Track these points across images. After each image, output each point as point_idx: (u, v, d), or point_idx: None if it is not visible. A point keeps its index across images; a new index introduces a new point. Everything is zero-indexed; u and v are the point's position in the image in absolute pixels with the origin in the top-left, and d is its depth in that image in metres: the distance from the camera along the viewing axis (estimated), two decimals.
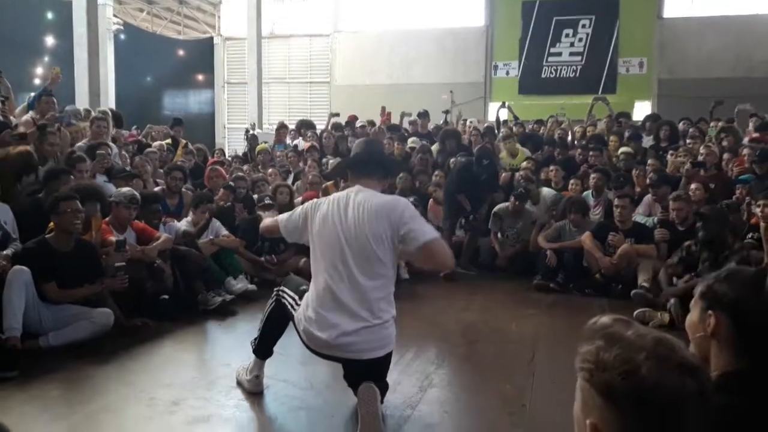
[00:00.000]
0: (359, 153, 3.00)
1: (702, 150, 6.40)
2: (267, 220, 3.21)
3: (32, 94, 6.70)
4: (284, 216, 3.01)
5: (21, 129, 5.30)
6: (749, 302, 1.35)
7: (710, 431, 1.21)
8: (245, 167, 7.93)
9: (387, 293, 2.73)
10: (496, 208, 6.34)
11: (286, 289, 2.99)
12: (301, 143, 8.98)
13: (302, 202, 6.02)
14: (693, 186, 5.67)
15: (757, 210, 4.78)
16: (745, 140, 7.21)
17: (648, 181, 6.14)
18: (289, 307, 2.89)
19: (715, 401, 1.30)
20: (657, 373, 0.90)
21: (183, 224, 5.21)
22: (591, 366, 0.95)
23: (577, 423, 1.01)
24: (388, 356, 2.78)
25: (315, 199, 2.97)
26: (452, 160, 7.20)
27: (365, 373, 2.65)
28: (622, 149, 7.37)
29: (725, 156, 6.56)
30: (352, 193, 2.79)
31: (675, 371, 0.91)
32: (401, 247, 2.68)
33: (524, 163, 7.26)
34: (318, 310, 2.68)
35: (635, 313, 4.55)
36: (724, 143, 6.97)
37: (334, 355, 2.72)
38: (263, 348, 3.11)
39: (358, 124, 9.73)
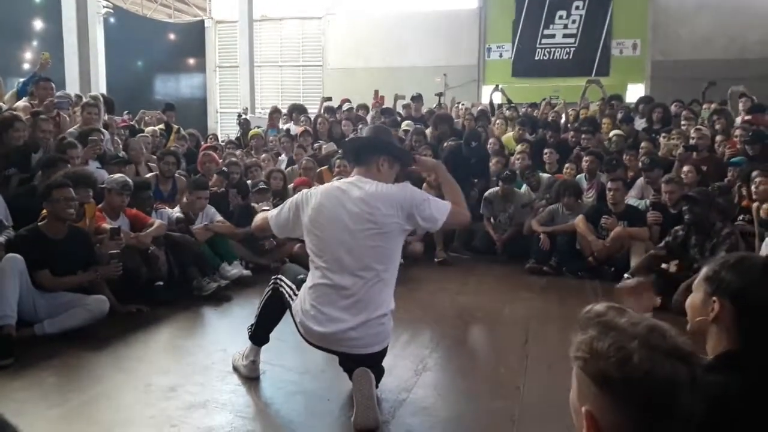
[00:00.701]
0: (360, 138, 2.95)
1: (693, 134, 6.40)
2: (257, 217, 3.15)
3: (21, 79, 6.63)
4: (274, 212, 2.97)
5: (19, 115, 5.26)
6: (758, 293, 1.34)
7: (705, 411, 1.23)
8: (238, 152, 7.89)
9: (386, 287, 2.69)
10: (486, 193, 6.36)
11: (283, 278, 2.98)
12: (293, 128, 8.94)
13: (294, 188, 6.02)
14: (685, 168, 5.69)
15: (752, 187, 4.79)
16: (738, 120, 7.23)
17: (640, 164, 6.15)
18: (287, 296, 2.89)
19: (710, 379, 1.32)
20: (649, 360, 0.92)
21: (176, 211, 5.19)
22: (585, 355, 0.96)
23: (573, 410, 1.03)
24: (385, 349, 2.79)
25: (305, 190, 2.90)
26: (445, 144, 7.20)
27: (361, 364, 2.67)
28: (614, 132, 7.39)
29: (717, 138, 6.58)
30: (350, 184, 2.72)
31: (667, 359, 0.93)
32: (424, 225, 2.75)
33: (519, 147, 7.27)
34: (315, 304, 2.66)
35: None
36: (717, 126, 6.98)
37: (331, 349, 2.73)
38: (259, 335, 3.12)
39: (345, 107, 9.67)
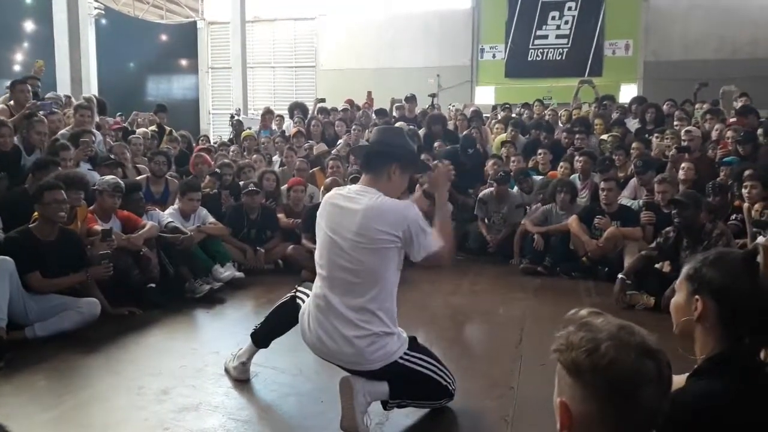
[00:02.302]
0: (371, 145, 2.80)
1: (684, 136, 6.42)
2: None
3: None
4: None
5: None
6: (738, 289, 1.33)
7: (695, 412, 1.23)
8: (232, 148, 7.89)
9: (380, 306, 2.54)
10: (480, 194, 6.38)
11: (304, 289, 2.96)
12: (290, 127, 8.94)
13: (288, 189, 6.01)
14: (684, 165, 5.67)
15: (744, 191, 4.81)
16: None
17: (633, 167, 6.15)
18: (300, 302, 2.87)
19: (701, 385, 1.32)
20: (615, 351, 1.00)
21: (169, 211, 5.17)
22: (562, 347, 1.06)
23: (555, 408, 1.08)
24: (389, 369, 2.57)
25: (332, 192, 2.74)
26: (437, 144, 7.23)
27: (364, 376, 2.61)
28: (607, 135, 7.42)
29: (713, 135, 6.60)
30: (349, 197, 2.59)
31: (633, 352, 1.00)
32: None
33: (503, 150, 7.29)
34: (312, 312, 2.64)
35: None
36: (707, 125, 7.02)
37: (327, 360, 2.70)
38: (262, 335, 3.10)
39: (340, 107, 9.66)
